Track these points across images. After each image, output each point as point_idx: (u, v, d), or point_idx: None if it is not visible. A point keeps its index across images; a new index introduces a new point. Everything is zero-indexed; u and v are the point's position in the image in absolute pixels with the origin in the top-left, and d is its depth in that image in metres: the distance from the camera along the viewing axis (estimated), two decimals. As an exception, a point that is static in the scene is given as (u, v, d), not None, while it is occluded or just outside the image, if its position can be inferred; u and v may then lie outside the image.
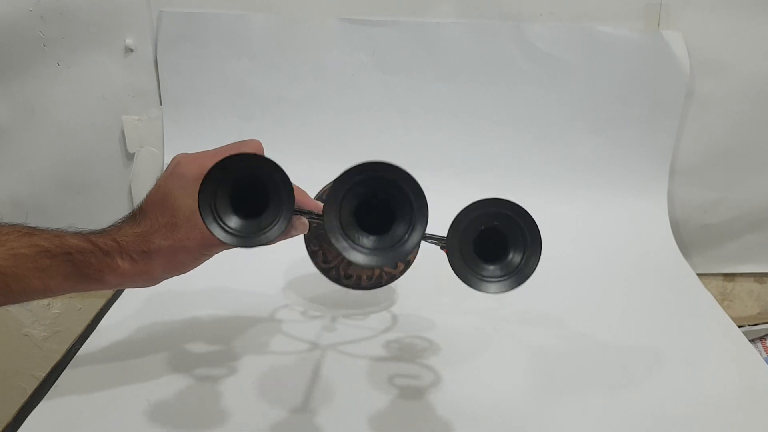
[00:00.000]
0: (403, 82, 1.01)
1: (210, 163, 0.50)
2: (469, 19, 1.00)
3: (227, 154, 0.50)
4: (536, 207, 1.12)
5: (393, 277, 0.79)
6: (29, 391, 0.67)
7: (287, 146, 0.99)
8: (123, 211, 0.70)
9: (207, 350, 0.73)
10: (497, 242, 0.53)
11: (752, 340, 1.06)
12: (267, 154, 0.53)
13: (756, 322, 1.14)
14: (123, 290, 0.86)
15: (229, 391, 0.67)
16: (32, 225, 0.58)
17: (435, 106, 1.02)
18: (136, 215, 0.59)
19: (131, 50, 0.99)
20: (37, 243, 0.55)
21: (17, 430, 0.61)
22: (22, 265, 0.55)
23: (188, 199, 0.57)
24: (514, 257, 0.53)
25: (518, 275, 0.53)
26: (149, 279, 0.59)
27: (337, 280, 0.78)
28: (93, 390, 0.66)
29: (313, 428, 0.62)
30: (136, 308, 0.81)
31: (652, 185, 1.07)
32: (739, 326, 0.83)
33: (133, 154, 1.04)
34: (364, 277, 0.78)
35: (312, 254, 0.78)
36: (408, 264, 0.79)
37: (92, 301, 1.15)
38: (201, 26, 0.99)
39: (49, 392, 0.66)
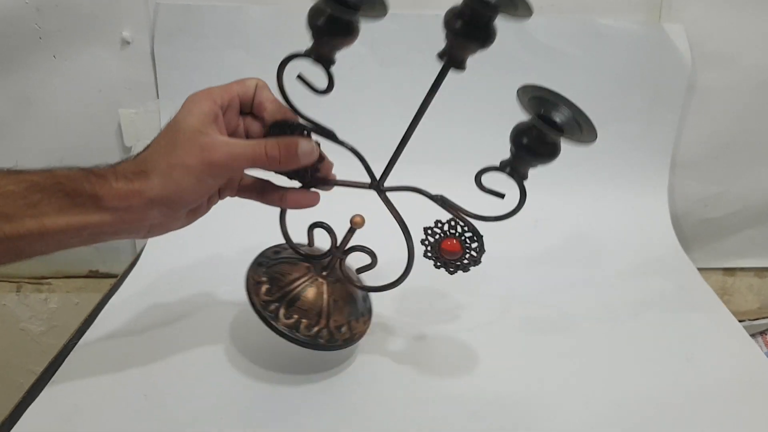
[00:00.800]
0: (403, 75, 1.00)
1: (219, 93, 0.57)
2: (468, 11, 0.99)
3: (233, 89, 0.58)
4: (536, 200, 1.12)
5: (334, 342, 0.65)
6: (26, 386, 0.67)
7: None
8: None
9: (205, 345, 0.73)
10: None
11: (753, 335, 1.06)
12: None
13: (756, 317, 1.13)
14: (120, 285, 0.86)
15: (227, 386, 0.67)
16: None
17: (435, 98, 1.01)
18: (144, 150, 0.57)
19: (128, 43, 0.98)
20: (25, 178, 0.53)
21: (14, 425, 0.61)
22: (12, 203, 0.51)
23: (192, 119, 0.55)
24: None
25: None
26: (146, 203, 0.54)
27: (271, 319, 0.63)
28: (90, 385, 0.66)
29: (315, 427, 0.62)
30: (133, 303, 0.80)
31: (653, 179, 1.07)
32: (740, 321, 0.82)
33: (130, 147, 1.04)
34: (303, 325, 0.64)
35: (255, 285, 0.66)
36: (353, 340, 0.67)
37: (89, 295, 1.15)
38: (198, 18, 0.98)
39: (46, 387, 0.66)
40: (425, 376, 0.69)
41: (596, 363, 0.72)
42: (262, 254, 0.70)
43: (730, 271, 1.19)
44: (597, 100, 1.04)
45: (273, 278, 0.66)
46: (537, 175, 1.05)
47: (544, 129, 0.55)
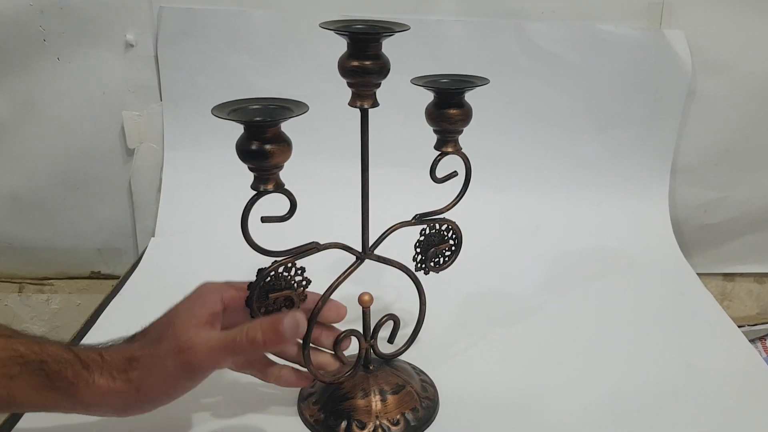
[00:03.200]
0: (404, 80, 1.00)
1: (231, 292, 0.56)
2: (470, 17, 0.99)
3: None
4: (537, 205, 1.12)
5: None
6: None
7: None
8: (122, 206, 0.70)
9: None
10: None
11: (752, 341, 1.06)
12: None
13: (755, 323, 1.13)
14: (122, 287, 0.86)
15: (227, 386, 0.67)
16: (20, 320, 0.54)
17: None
18: (137, 334, 0.56)
19: (132, 46, 0.99)
20: (12, 346, 0.51)
21: (16, 424, 0.61)
22: None
23: (185, 314, 0.55)
24: None
25: None
26: (122, 403, 0.53)
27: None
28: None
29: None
30: (135, 304, 0.80)
31: (653, 184, 1.07)
32: (739, 326, 0.83)
33: (133, 149, 1.04)
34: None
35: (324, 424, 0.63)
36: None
37: (91, 296, 1.15)
38: (201, 22, 0.98)
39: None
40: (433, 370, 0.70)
41: (595, 368, 0.73)
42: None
43: (729, 276, 1.19)
44: (598, 106, 1.05)
45: (348, 414, 0.62)
46: (537, 180, 1.06)
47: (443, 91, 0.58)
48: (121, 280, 0.89)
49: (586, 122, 1.05)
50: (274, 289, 0.57)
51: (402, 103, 1.05)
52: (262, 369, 0.62)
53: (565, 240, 1.01)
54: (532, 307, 0.84)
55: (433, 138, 0.60)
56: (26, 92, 1.00)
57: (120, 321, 0.76)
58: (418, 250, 0.65)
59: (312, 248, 0.57)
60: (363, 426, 0.61)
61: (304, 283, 0.59)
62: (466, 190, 0.63)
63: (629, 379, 0.71)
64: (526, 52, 1.01)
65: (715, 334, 0.80)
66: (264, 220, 0.52)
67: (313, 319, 0.58)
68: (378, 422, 0.61)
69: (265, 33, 1.00)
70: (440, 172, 0.60)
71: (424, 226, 0.64)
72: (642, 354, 0.75)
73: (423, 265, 0.66)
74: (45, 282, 1.16)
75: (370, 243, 0.62)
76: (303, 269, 0.58)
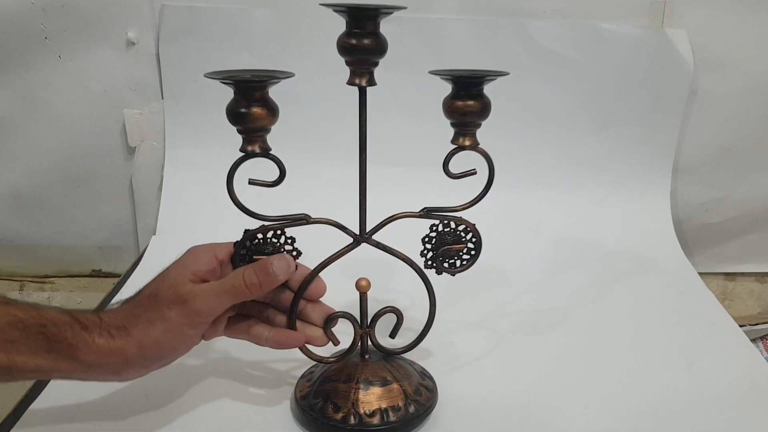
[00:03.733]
0: (405, 78, 1.01)
1: (222, 249, 0.57)
2: (471, 15, 0.99)
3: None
4: (538, 204, 1.12)
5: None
6: (29, 385, 0.67)
7: (287, 141, 0.98)
8: (123, 204, 0.69)
9: (207, 345, 0.73)
10: None
11: (753, 340, 1.06)
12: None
13: (757, 322, 1.13)
14: (123, 285, 0.86)
15: (228, 386, 0.67)
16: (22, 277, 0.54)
17: (437, 102, 1.02)
18: (134, 296, 0.57)
19: (133, 44, 0.99)
20: (10, 312, 0.50)
21: (16, 422, 0.61)
22: None
23: (180, 271, 0.55)
24: None
25: None
26: (122, 362, 0.53)
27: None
28: (92, 384, 0.66)
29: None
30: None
31: (655, 183, 1.07)
32: (740, 326, 0.83)
33: (134, 147, 1.04)
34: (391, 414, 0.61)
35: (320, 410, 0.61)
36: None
37: (92, 294, 1.15)
38: (203, 20, 0.98)
39: (48, 386, 0.66)
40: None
41: (596, 367, 0.72)
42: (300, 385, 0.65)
43: (730, 275, 1.19)
44: (600, 105, 1.05)
45: (327, 394, 0.61)
46: (539, 178, 1.06)
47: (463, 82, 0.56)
48: (122, 279, 0.89)
49: (587, 121, 1.05)
50: (262, 253, 0.58)
51: (405, 101, 1.06)
52: (248, 331, 0.61)
53: (566, 238, 1.01)
54: (531, 304, 0.84)
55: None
56: (27, 90, 1.00)
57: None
58: (428, 246, 0.63)
59: (302, 219, 0.57)
60: (337, 409, 0.60)
61: (294, 253, 0.59)
62: (488, 190, 0.60)
63: (630, 378, 0.70)
64: (527, 51, 1.00)
65: (717, 334, 0.80)
66: (252, 182, 0.53)
67: (301, 290, 0.59)
68: (353, 409, 0.59)
69: (267, 31, 1.00)
70: (455, 169, 0.58)
71: (437, 222, 0.62)
72: (643, 353, 0.75)
73: (434, 264, 0.63)
74: (46, 280, 1.16)
75: (369, 228, 0.60)
76: (293, 239, 0.59)
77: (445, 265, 0.64)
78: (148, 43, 0.99)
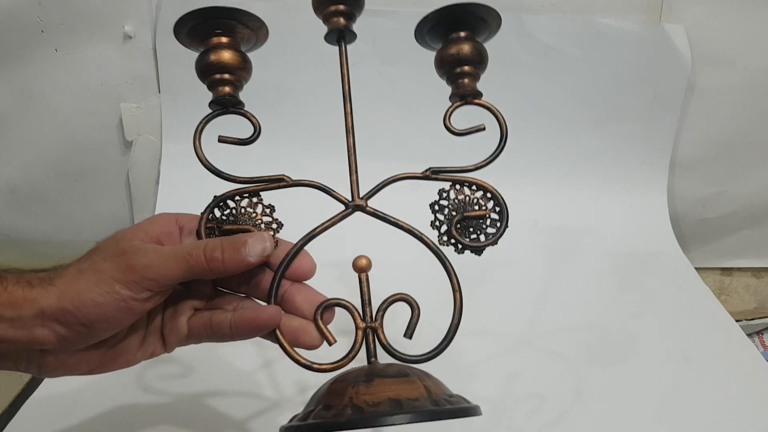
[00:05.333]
0: (404, 73, 1.00)
1: (186, 217, 0.48)
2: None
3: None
4: (535, 199, 1.12)
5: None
6: (26, 379, 0.67)
7: (285, 135, 0.98)
8: (120, 198, 0.67)
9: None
10: None
11: (749, 335, 1.06)
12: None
13: (753, 317, 1.14)
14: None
15: (228, 383, 0.67)
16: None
17: (435, 97, 1.02)
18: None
19: (130, 37, 0.98)
20: None
21: (14, 415, 0.62)
22: None
23: (133, 228, 0.47)
24: None
25: None
26: (36, 315, 0.42)
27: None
28: (89, 378, 0.66)
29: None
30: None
31: (652, 179, 1.07)
32: (737, 320, 0.83)
33: (131, 141, 1.04)
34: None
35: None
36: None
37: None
38: (201, 14, 0.98)
39: (45, 380, 0.66)
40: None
41: (592, 362, 0.73)
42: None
43: (727, 270, 1.19)
44: (597, 100, 1.05)
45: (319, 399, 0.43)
46: (535, 174, 1.06)
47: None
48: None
49: (585, 116, 1.05)
50: (234, 223, 0.49)
51: (403, 97, 1.06)
52: (215, 320, 0.47)
53: (563, 234, 1.01)
54: (529, 299, 0.85)
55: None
56: (24, 83, 0.99)
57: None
58: (440, 217, 0.51)
59: (280, 180, 0.49)
60: (328, 409, 0.41)
61: (274, 226, 0.49)
62: (503, 147, 0.51)
63: (626, 373, 0.71)
64: (525, 46, 1.00)
65: (713, 329, 0.81)
66: (221, 139, 0.49)
67: (282, 267, 0.47)
68: (350, 402, 0.40)
69: (266, 25, 0.99)
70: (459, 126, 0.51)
71: (446, 187, 0.51)
72: (639, 348, 0.75)
73: (451, 238, 0.50)
74: (43, 275, 1.16)
75: (363, 192, 0.50)
76: (272, 207, 0.49)
77: (467, 240, 0.50)
78: (145, 37, 0.99)
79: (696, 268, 0.95)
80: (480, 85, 0.55)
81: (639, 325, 0.80)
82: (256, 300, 0.49)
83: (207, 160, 0.49)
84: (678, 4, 1.00)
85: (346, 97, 0.52)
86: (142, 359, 0.48)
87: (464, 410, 0.42)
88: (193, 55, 0.51)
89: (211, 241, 0.45)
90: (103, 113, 1.02)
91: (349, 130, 0.51)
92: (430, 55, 0.56)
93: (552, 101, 1.04)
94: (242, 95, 0.51)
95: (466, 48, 0.51)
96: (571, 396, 0.67)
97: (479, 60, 0.52)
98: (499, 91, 1.04)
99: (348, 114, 0.51)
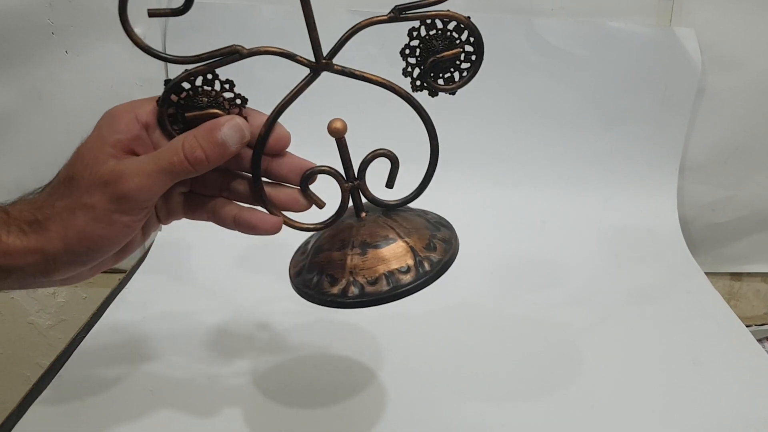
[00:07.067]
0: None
1: (145, 106, 0.46)
2: (479, 12, 0.99)
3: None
4: (544, 202, 1.12)
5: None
6: (33, 380, 0.67)
7: (293, 138, 0.98)
8: None
9: (213, 342, 0.73)
10: None
11: (759, 340, 1.05)
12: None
13: (763, 322, 1.13)
14: (128, 280, 0.86)
15: (233, 383, 0.67)
16: None
17: (443, 99, 1.02)
18: (50, 182, 0.48)
19: (140, 39, 0.99)
20: None
21: (21, 418, 0.62)
22: None
23: (97, 143, 0.45)
24: None
25: None
26: (45, 261, 0.44)
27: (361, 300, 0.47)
28: (97, 379, 0.66)
29: (312, 424, 0.62)
30: (141, 298, 0.81)
31: (662, 182, 1.07)
32: (746, 326, 0.82)
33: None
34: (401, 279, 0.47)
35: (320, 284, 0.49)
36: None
37: (98, 290, 1.15)
38: (210, 16, 0.98)
39: (53, 381, 0.66)
40: (428, 378, 0.69)
41: (601, 366, 0.72)
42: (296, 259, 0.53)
43: (737, 275, 1.19)
44: (606, 103, 1.04)
45: (321, 267, 0.49)
46: (545, 177, 1.06)
47: None
48: (128, 274, 0.89)
49: (594, 118, 1.05)
50: (196, 108, 0.47)
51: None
52: (214, 212, 0.50)
53: (571, 236, 1.01)
54: (535, 300, 0.84)
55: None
56: (34, 84, 1.00)
57: (126, 315, 0.77)
58: (412, 61, 0.50)
59: (233, 53, 0.47)
60: (334, 282, 0.47)
61: (238, 101, 0.48)
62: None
63: (635, 378, 0.70)
64: (535, 48, 1.00)
65: (723, 334, 0.80)
66: (152, 13, 0.47)
67: (259, 145, 0.48)
68: (352, 278, 0.47)
69: (275, 28, 0.99)
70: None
71: (416, 25, 0.48)
72: (648, 352, 0.75)
73: (424, 83, 0.50)
74: (51, 275, 1.16)
75: (326, 51, 0.47)
76: (231, 82, 0.47)
77: (440, 81, 0.50)
78: (155, 39, 0.99)
79: (706, 273, 0.94)
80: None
81: (647, 329, 0.80)
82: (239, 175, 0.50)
83: (140, 39, 0.46)
84: (688, 7, 0.99)
85: None
86: (141, 244, 0.51)
87: (444, 265, 0.48)
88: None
89: (186, 139, 0.45)
90: (112, 115, 1.02)
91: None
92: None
93: (561, 104, 1.04)
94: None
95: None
96: (576, 400, 0.67)
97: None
98: (508, 93, 1.05)
99: None
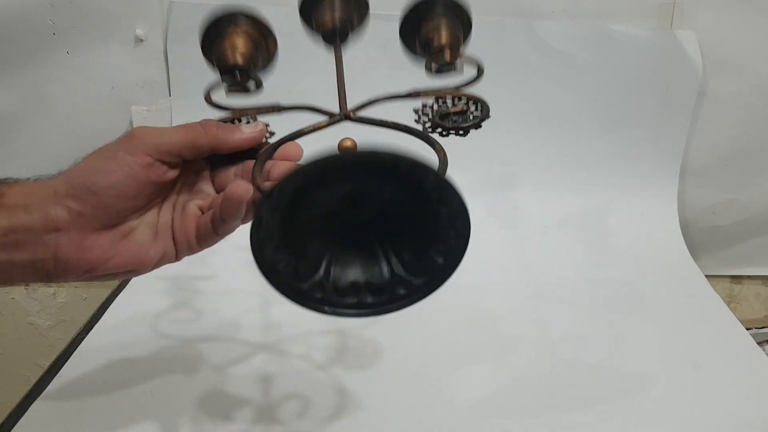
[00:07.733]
0: (414, 78, 1.00)
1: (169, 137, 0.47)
2: (481, 14, 0.99)
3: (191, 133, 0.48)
4: (545, 206, 1.12)
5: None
6: (33, 380, 0.67)
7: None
8: None
9: (215, 343, 0.73)
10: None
11: (759, 343, 1.05)
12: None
13: (763, 325, 1.13)
14: (129, 281, 0.86)
15: (233, 383, 0.67)
16: None
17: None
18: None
19: (141, 40, 0.99)
20: None
21: (21, 418, 0.62)
22: None
23: (107, 162, 0.47)
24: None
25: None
26: (50, 194, 0.46)
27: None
28: (97, 380, 0.66)
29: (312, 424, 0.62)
30: (141, 299, 0.81)
31: (663, 185, 1.07)
32: (747, 329, 0.82)
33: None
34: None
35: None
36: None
37: (98, 291, 1.15)
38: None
39: (53, 381, 0.66)
40: (430, 379, 0.69)
41: (602, 370, 0.72)
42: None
43: (737, 278, 1.19)
44: (608, 106, 1.04)
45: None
46: (546, 179, 1.06)
47: None
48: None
49: (595, 122, 1.05)
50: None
51: (412, 103, 1.05)
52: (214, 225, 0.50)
53: (573, 239, 1.01)
54: (535, 303, 0.84)
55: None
56: (35, 86, 1.00)
57: (127, 316, 0.77)
58: (425, 118, 0.54)
59: (274, 108, 0.52)
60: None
61: (267, 135, 0.53)
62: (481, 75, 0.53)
63: (636, 381, 0.70)
64: (536, 51, 1.00)
65: (723, 337, 0.80)
66: (229, 92, 0.52)
67: (262, 156, 0.49)
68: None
69: (276, 30, 0.99)
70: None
71: (430, 102, 0.54)
72: (649, 355, 0.75)
73: (436, 126, 0.53)
74: (52, 276, 1.16)
75: (352, 106, 0.51)
76: (267, 125, 0.53)
77: (450, 123, 0.53)
78: (156, 40, 0.99)
79: (706, 276, 0.94)
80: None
81: (648, 332, 0.80)
82: None
83: (210, 97, 0.52)
84: (689, 10, 0.99)
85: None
86: (155, 257, 0.50)
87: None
88: (203, 59, 0.52)
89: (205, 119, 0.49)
90: (113, 116, 1.03)
91: (339, 60, 0.54)
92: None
93: (562, 106, 1.04)
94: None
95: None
96: (577, 403, 0.67)
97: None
98: (510, 96, 1.05)
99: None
